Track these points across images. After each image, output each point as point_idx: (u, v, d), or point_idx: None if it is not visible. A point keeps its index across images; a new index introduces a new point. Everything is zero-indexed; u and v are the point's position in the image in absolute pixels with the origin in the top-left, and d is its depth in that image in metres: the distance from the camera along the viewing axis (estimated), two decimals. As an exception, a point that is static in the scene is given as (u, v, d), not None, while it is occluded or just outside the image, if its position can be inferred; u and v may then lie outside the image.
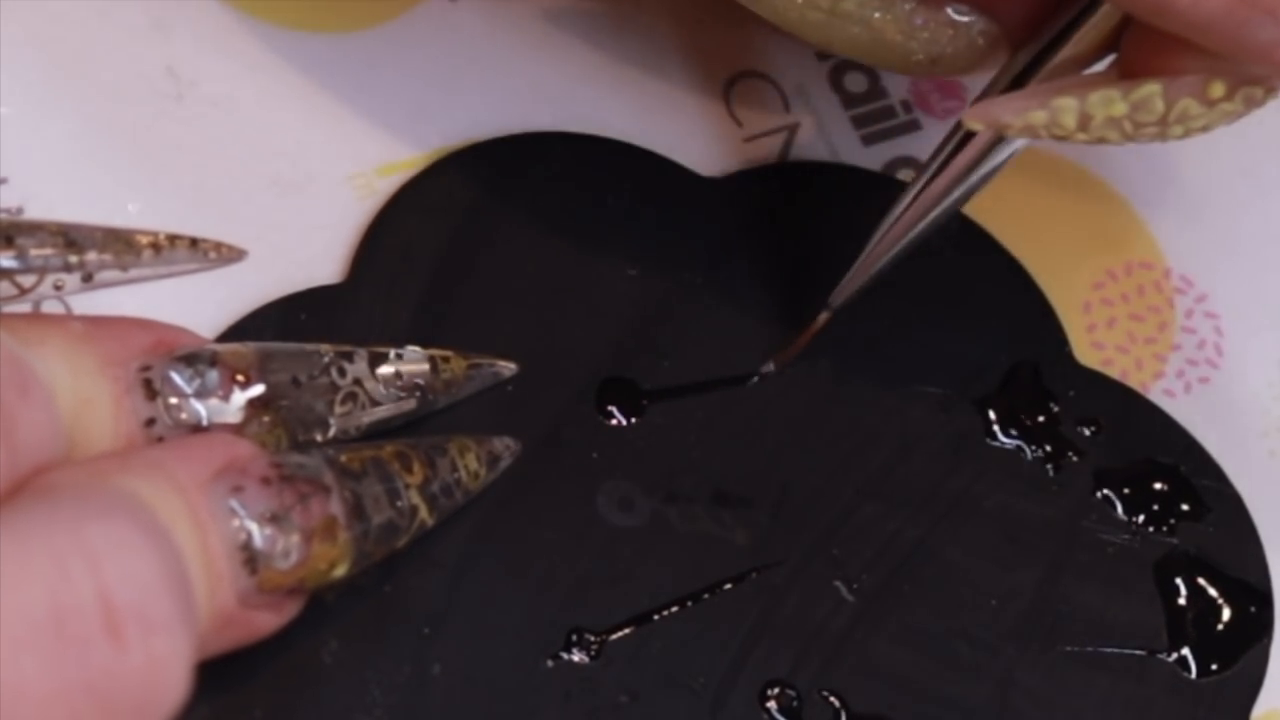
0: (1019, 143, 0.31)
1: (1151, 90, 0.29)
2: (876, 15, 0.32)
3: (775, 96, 0.37)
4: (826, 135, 0.37)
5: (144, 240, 0.28)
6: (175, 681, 0.24)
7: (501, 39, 0.36)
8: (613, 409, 0.32)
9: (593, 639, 0.31)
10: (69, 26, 0.34)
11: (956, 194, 0.31)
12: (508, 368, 0.32)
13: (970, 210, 0.36)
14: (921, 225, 0.32)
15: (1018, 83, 0.31)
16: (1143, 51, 0.29)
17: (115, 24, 0.34)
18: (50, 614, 0.22)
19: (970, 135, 0.31)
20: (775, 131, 0.37)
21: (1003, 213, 0.36)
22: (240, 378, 0.28)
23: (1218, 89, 0.29)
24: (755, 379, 0.33)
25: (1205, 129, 0.29)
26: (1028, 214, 0.36)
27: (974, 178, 0.31)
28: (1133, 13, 0.28)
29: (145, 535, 0.24)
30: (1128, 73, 0.29)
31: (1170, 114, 0.29)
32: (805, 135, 0.37)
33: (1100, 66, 0.31)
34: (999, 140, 0.31)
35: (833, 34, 0.32)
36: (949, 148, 0.31)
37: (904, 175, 0.36)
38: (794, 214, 0.35)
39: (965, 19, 0.32)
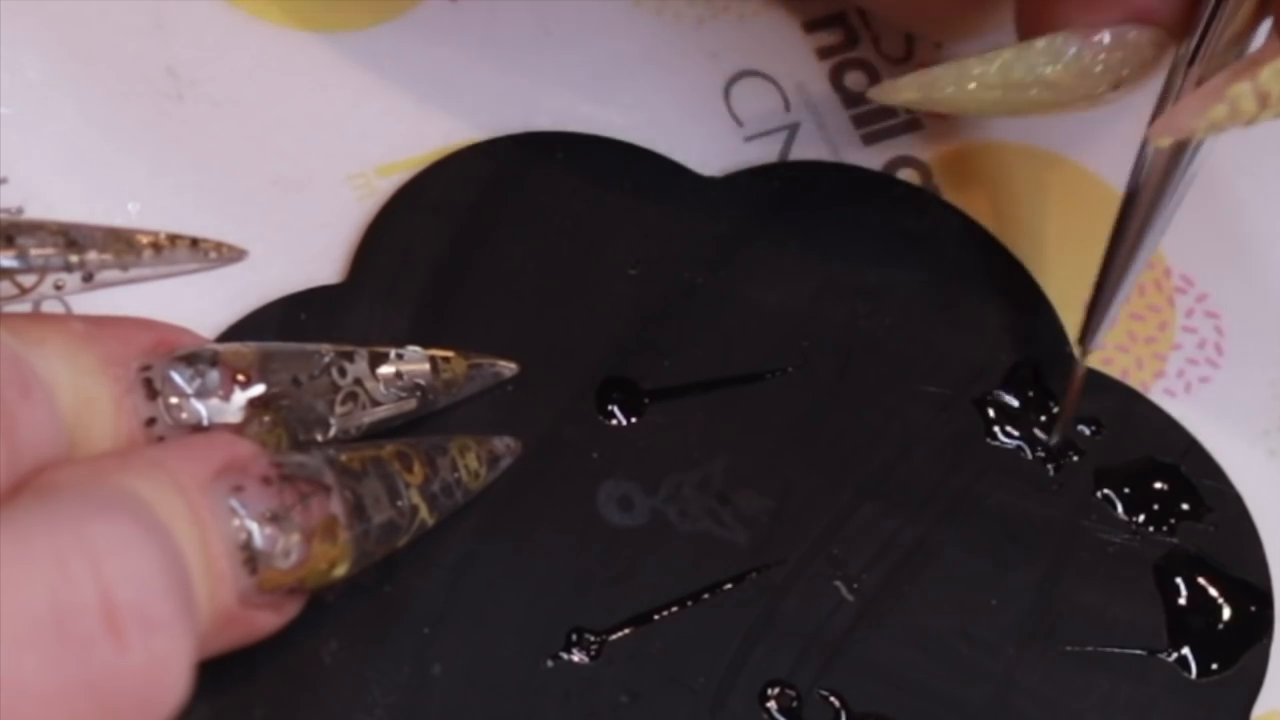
0: (1207, 141, 0.31)
1: None
2: (1048, 70, 0.31)
3: (775, 96, 0.37)
4: (827, 135, 0.37)
5: (144, 240, 0.28)
6: (176, 680, 0.24)
7: (501, 39, 0.36)
8: (613, 409, 0.32)
9: (593, 639, 0.31)
10: (69, 26, 0.34)
11: (1166, 209, 0.32)
12: (508, 368, 0.32)
13: (970, 209, 0.36)
14: (1142, 249, 0.32)
15: (1188, 71, 0.31)
16: None
17: (115, 24, 0.34)
18: (51, 612, 0.22)
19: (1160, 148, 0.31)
20: (775, 131, 0.37)
21: (1003, 213, 0.36)
22: (241, 377, 0.28)
23: None
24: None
25: None
26: (1028, 214, 0.36)
27: (1176, 187, 0.32)
28: None
29: (146, 534, 0.24)
30: None
31: None
32: (805, 135, 0.37)
33: (1261, 35, 0.31)
34: (1188, 144, 0.31)
35: (1015, 104, 0.32)
36: (1142, 166, 0.32)
37: (905, 175, 0.36)
38: (794, 214, 0.35)
39: (1130, 35, 0.32)
